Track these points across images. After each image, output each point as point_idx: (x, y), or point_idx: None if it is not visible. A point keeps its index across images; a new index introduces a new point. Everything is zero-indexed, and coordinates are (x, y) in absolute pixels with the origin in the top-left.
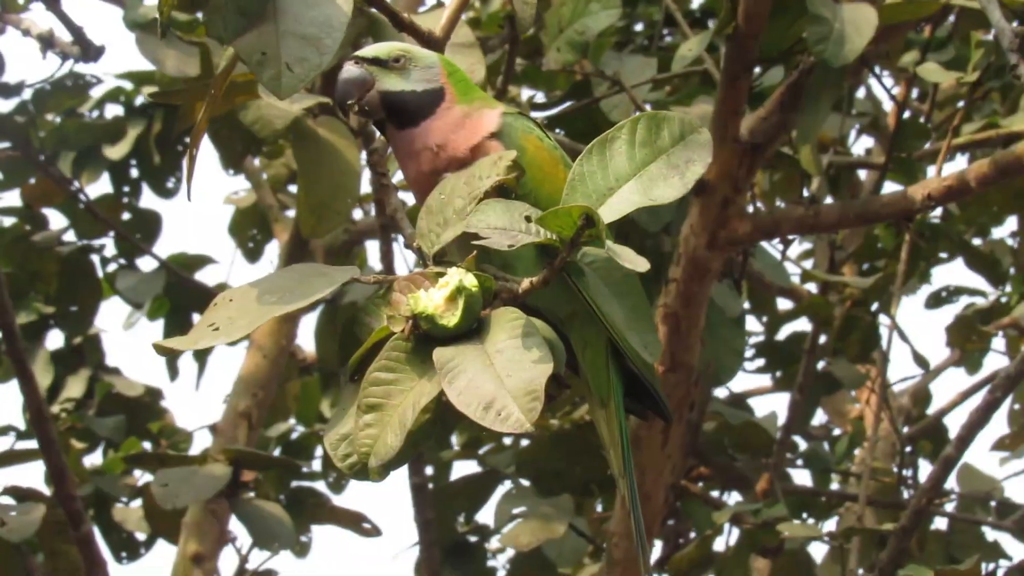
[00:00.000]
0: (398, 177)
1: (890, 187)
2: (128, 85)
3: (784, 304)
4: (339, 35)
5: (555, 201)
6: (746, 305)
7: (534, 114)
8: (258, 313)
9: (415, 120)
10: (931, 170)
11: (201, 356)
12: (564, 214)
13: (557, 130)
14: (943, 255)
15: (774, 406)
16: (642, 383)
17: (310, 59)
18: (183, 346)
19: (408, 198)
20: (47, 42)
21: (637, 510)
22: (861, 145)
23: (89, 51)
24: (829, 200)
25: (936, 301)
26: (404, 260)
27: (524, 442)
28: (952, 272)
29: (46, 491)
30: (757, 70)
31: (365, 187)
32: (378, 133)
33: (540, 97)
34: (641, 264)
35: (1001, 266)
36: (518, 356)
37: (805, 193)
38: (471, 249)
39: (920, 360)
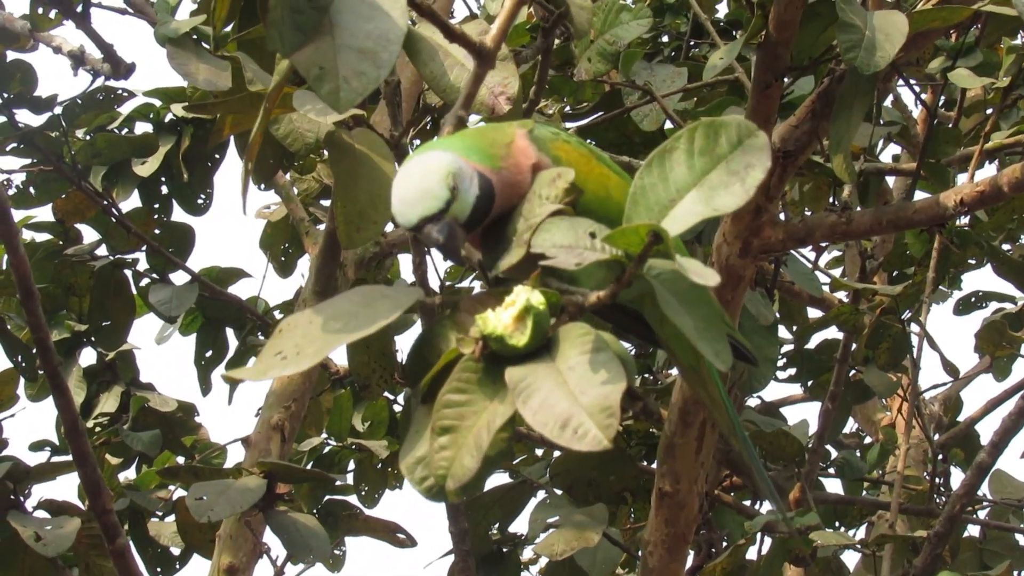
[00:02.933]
0: None
1: (920, 195)
2: (157, 103)
3: (814, 313)
4: (396, 48)
5: (598, 198)
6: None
7: (565, 125)
8: (325, 341)
9: (482, 221)
10: (961, 177)
11: None
12: (631, 232)
13: (588, 140)
14: (972, 261)
15: (805, 416)
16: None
17: (367, 73)
18: (252, 376)
19: None
20: (78, 59)
21: (757, 461)
22: (888, 154)
23: (119, 68)
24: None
25: (965, 307)
26: (436, 272)
27: (557, 452)
28: (980, 278)
29: (81, 505)
30: (787, 79)
31: None
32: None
33: (566, 110)
34: (711, 278)
35: None
36: (591, 373)
37: (834, 202)
38: (536, 266)
39: (950, 368)
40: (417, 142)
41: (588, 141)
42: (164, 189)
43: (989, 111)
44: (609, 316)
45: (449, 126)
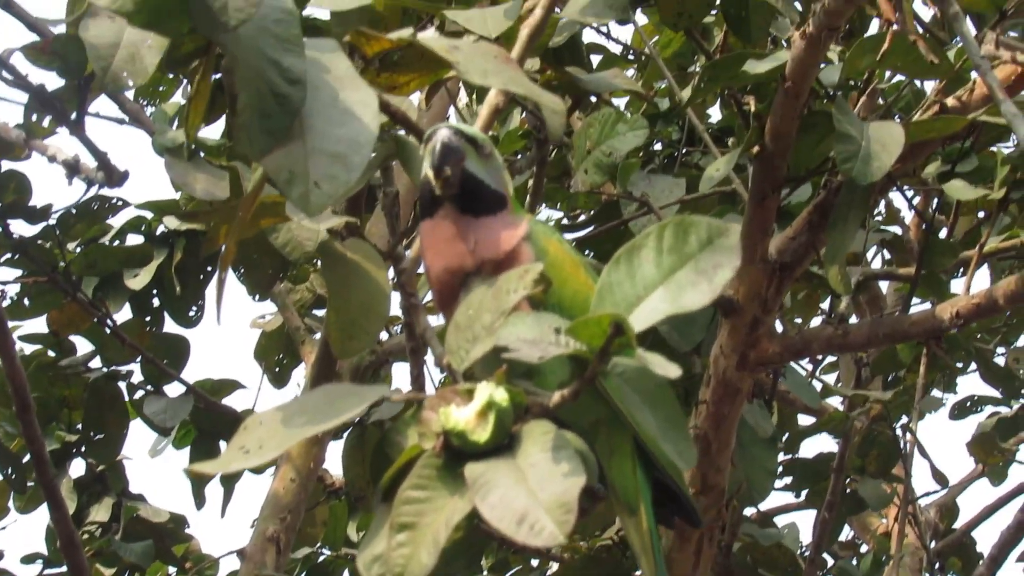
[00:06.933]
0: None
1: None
2: (149, 215)
3: (806, 420)
4: (367, 152)
5: (577, 302)
6: None
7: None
8: (288, 435)
9: (477, 212)
10: (955, 284)
11: (228, 482)
12: (593, 323)
13: (586, 251)
14: (960, 365)
15: (798, 522)
16: (670, 491)
17: (338, 176)
18: (214, 469)
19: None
20: (72, 168)
21: None
22: (879, 258)
23: (113, 176)
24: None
25: (961, 412)
26: (433, 382)
27: (554, 566)
28: (976, 382)
29: None
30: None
31: (393, 309)
32: (407, 254)
33: (562, 222)
34: (672, 371)
35: (1017, 379)
36: (550, 469)
37: (831, 315)
38: (501, 364)
39: (939, 476)
40: (409, 253)
41: (586, 253)
42: (156, 302)
43: (981, 214)
44: None
45: None
